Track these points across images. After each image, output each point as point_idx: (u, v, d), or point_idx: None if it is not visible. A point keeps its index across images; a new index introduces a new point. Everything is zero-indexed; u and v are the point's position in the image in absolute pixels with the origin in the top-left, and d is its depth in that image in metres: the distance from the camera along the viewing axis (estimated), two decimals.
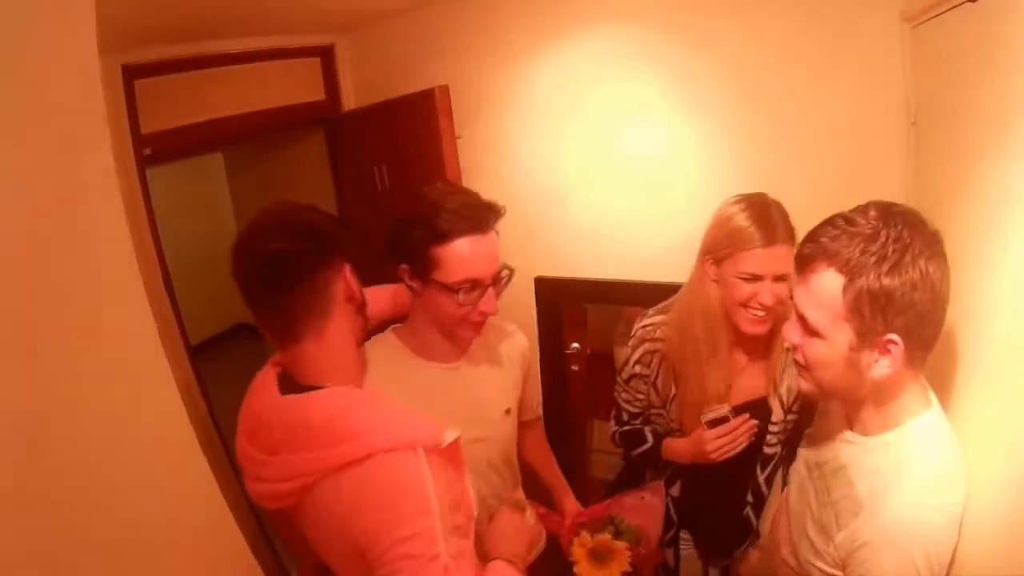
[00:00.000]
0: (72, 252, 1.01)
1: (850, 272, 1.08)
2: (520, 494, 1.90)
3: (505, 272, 1.55)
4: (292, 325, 1.23)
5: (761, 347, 1.81)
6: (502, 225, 1.56)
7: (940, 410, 1.18)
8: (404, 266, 1.53)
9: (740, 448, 1.74)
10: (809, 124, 2.16)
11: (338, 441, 1.14)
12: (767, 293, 1.63)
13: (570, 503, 1.98)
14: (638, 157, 2.54)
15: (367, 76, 3.33)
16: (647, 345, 1.90)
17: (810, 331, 1.17)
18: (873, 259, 1.06)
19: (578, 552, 1.70)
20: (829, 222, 1.14)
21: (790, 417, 1.82)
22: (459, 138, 3.01)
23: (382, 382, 1.51)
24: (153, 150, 2.55)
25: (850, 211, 1.13)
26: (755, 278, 1.63)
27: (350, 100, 3.40)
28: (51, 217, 0.97)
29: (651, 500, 1.89)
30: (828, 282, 1.11)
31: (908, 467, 1.12)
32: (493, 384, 1.73)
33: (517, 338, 1.84)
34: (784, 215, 1.64)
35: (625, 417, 2.01)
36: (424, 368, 1.64)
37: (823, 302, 1.13)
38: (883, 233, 1.07)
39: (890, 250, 1.06)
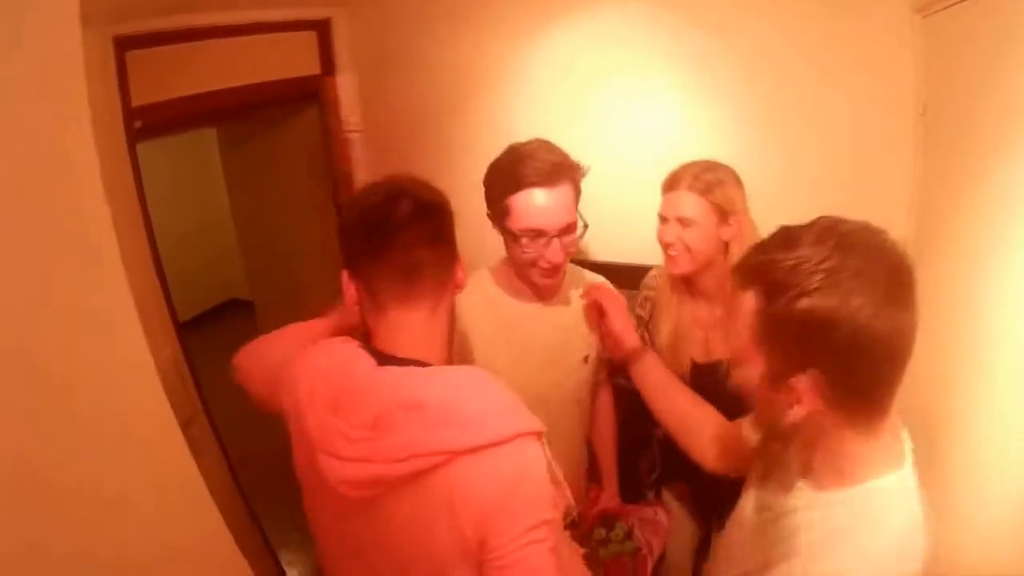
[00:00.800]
0: (47, 229, 0.98)
1: (766, 295, 0.98)
2: (584, 450, 2.04)
3: (580, 227, 1.66)
4: (419, 285, 1.17)
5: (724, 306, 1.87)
6: None
7: (911, 472, 1.03)
8: (488, 212, 1.69)
9: None
10: (818, 111, 2.14)
11: (473, 421, 1.07)
12: (668, 232, 1.83)
13: (609, 490, 2.05)
14: (641, 139, 2.52)
15: (365, 51, 3.28)
16: (645, 292, 2.10)
17: (735, 352, 1.08)
18: (790, 282, 0.94)
19: None
20: (771, 236, 1.04)
21: None
22: (355, 132, 3.02)
23: (474, 315, 1.73)
24: (144, 123, 2.50)
25: (798, 226, 1.01)
26: (663, 219, 1.85)
27: (347, 75, 3.34)
28: (25, 193, 0.94)
29: (662, 519, 1.96)
30: (746, 303, 1.01)
31: (859, 531, 1.01)
32: (574, 330, 1.83)
33: None
34: (706, 172, 1.78)
35: None
36: (511, 306, 1.80)
37: (738, 323, 1.03)
38: (810, 253, 0.94)
39: (808, 274, 0.93)
